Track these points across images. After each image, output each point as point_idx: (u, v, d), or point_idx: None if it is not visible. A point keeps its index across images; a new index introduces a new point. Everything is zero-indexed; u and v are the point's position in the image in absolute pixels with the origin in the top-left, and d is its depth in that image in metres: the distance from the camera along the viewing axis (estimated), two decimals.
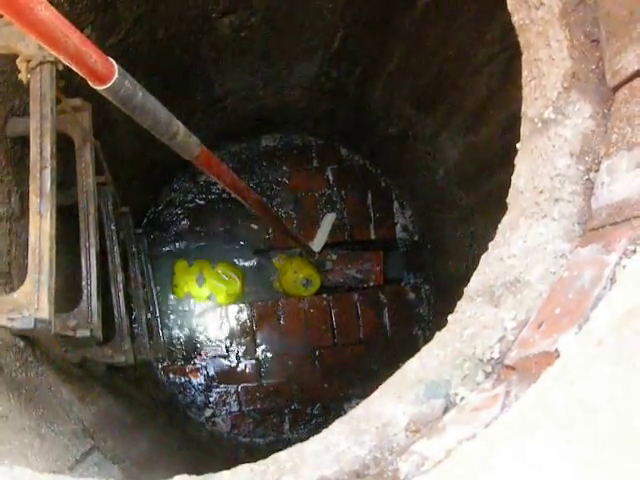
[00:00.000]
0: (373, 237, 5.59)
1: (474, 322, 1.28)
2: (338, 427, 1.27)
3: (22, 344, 2.64)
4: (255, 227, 5.40)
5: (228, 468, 1.30)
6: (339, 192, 5.58)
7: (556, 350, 0.95)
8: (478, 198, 4.34)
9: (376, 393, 1.33)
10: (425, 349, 1.35)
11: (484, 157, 4.01)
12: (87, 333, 2.62)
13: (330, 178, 5.60)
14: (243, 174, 5.36)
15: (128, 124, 3.87)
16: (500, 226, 1.44)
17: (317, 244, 5.15)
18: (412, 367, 1.32)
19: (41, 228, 2.02)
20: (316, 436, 1.27)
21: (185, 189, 5.49)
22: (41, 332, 1.98)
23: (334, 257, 5.54)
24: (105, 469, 2.81)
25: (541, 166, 1.33)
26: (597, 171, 1.20)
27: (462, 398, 1.15)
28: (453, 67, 3.76)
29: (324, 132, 5.57)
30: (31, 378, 2.63)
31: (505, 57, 3.29)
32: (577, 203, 1.22)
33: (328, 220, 5.33)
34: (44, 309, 1.95)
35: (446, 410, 1.15)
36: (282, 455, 1.24)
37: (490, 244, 1.43)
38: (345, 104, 5.04)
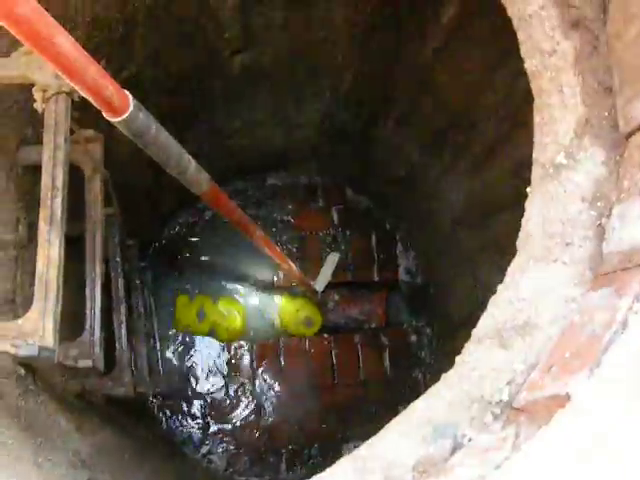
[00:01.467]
0: (376, 279, 5.58)
1: (482, 364, 1.28)
2: (343, 466, 1.26)
3: (23, 372, 2.63)
4: (259, 265, 5.39)
5: None
6: (343, 232, 5.59)
7: (567, 393, 0.95)
8: (482, 242, 4.34)
9: (381, 433, 1.32)
10: (432, 390, 1.34)
11: (489, 201, 4.02)
12: (89, 363, 2.61)
13: (335, 218, 5.61)
14: (248, 210, 5.37)
15: (136, 158, 3.91)
16: (509, 269, 1.44)
17: (320, 284, 5.14)
18: (418, 407, 1.31)
19: (49, 256, 2.03)
20: (320, 474, 1.26)
21: (190, 224, 5.50)
22: (44, 360, 1.97)
23: (336, 297, 5.53)
24: None
25: (552, 210, 1.33)
26: (609, 216, 1.20)
27: (470, 439, 1.14)
28: (461, 110, 3.78)
29: (330, 172, 5.60)
30: (30, 407, 2.62)
31: (515, 102, 3.31)
32: (588, 248, 1.23)
33: (332, 260, 5.32)
34: (49, 337, 1.94)
35: (454, 451, 1.14)
36: None
37: (499, 287, 1.43)
38: (352, 145, 5.08)
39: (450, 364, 4.53)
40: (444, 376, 1.36)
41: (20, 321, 1.97)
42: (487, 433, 1.12)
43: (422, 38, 3.46)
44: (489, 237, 4.19)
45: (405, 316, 5.64)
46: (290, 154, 5.38)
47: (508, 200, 3.71)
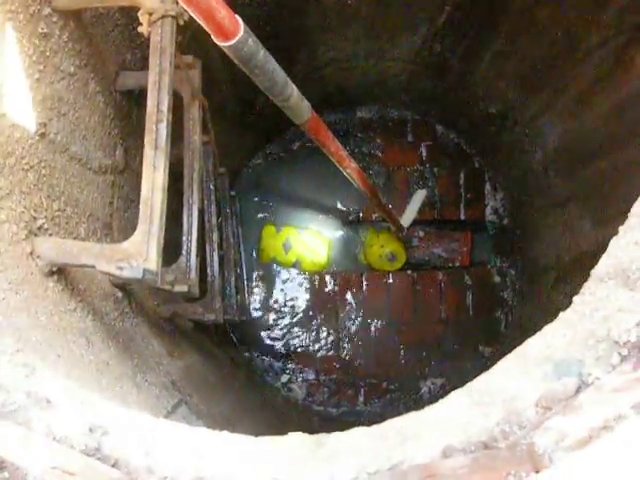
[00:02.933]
0: (462, 217, 5.53)
1: (606, 304, 1.24)
2: (457, 398, 1.25)
3: (120, 295, 2.70)
4: (345, 199, 5.38)
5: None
6: (431, 169, 5.53)
7: None
8: (574, 186, 4.24)
9: (495, 368, 1.30)
10: (549, 328, 1.31)
11: (585, 144, 3.91)
12: (185, 288, 2.65)
13: (424, 154, 5.54)
14: None
15: (230, 86, 3.90)
16: (632, 210, 1.39)
17: (406, 220, 5.09)
18: (535, 345, 1.29)
19: (154, 181, 2.03)
20: (433, 405, 1.26)
21: (278, 155, 5.50)
22: (147, 283, 2.00)
23: (421, 234, 5.50)
24: (192, 423, 2.85)
25: None
26: None
27: (597, 378, 1.11)
28: (561, 49, 3.66)
29: (421, 107, 5.51)
30: (127, 328, 2.69)
31: (618, 42, 3.19)
32: None
33: (419, 196, 5.25)
34: (153, 260, 1.96)
35: (579, 389, 1.12)
36: (399, 421, 1.23)
37: (621, 228, 1.38)
38: (446, 80, 4.97)
39: (533, 307, 4.43)
40: (562, 315, 1.33)
41: (125, 244, 1.99)
42: (616, 373, 1.09)
43: None
44: (582, 183, 4.08)
45: (490, 257, 5.59)
46: (382, 87, 5.30)
47: (605, 145, 3.60)
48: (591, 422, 0.97)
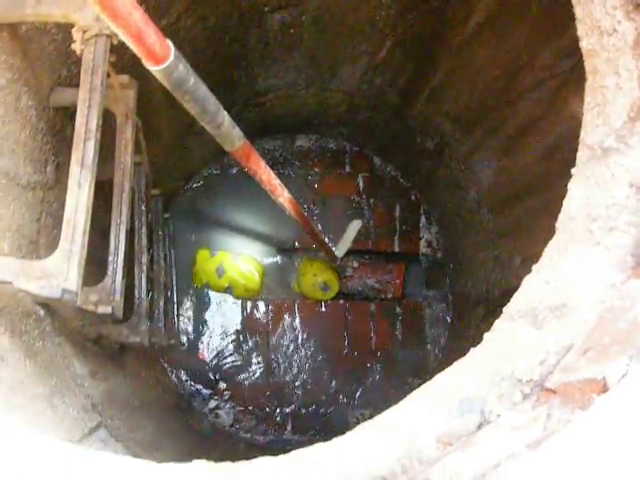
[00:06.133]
0: (397, 249, 5.57)
1: (513, 342, 1.26)
2: (363, 431, 1.25)
3: (42, 313, 2.64)
4: (281, 226, 5.37)
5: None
6: (368, 200, 5.57)
7: (603, 378, 0.93)
8: (506, 222, 4.31)
9: (404, 402, 1.30)
10: (458, 364, 1.33)
11: (518, 182, 3.98)
12: (108, 310, 2.61)
13: (360, 185, 5.59)
14: (274, 170, 5.34)
15: (169, 108, 3.88)
16: (546, 249, 1.41)
17: (340, 250, 5.10)
18: (443, 380, 1.30)
19: (79, 199, 2.01)
20: (340, 437, 1.25)
21: (216, 179, 5.48)
22: (66, 303, 1.97)
23: (355, 265, 5.52)
24: (110, 446, 2.80)
25: (597, 193, 1.30)
26: None
27: (498, 416, 1.13)
28: (498, 89, 3.73)
29: (360, 139, 5.56)
30: (47, 348, 2.63)
31: (553, 84, 3.26)
32: (633, 234, 1.20)
33: (354, 227, 5.28)
34: (72, 280, 1.94)
35: (480, 426, 1.13)
36: (305, 453, 1.23)
37: (534, 267, 1.41)
38: (384, 113, 5.02)
39: (462, 340, 4.48)
40: (472, 351, 1.34)
41: (45, 262, 1.96)
42: (516, 411, 1.11)
43: (467, 11, 3.40)
44: (514, 219, 4.16)
45: (422, 289, 5.63)
46: (321, 117, 5.33)
47: (536, 184, 3.68)
48: (485, 460, 0.98)
